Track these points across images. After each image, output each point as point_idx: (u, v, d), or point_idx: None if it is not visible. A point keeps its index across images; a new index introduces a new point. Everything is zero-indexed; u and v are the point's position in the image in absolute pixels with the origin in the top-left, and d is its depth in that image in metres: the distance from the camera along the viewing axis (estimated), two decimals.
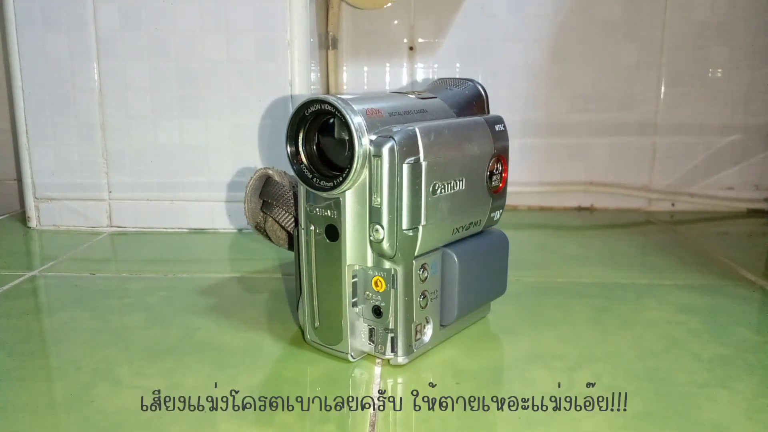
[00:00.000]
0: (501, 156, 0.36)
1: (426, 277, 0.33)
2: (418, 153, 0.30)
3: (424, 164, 0.30)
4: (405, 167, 0.29)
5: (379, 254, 0.31)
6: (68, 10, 0.57)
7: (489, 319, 0.39)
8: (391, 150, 0.29)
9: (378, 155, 0.29)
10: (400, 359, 0.32)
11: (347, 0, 0.69)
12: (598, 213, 0.72)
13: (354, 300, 0.32)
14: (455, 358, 0.34)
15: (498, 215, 0.37)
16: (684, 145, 0.72)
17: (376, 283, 0.31)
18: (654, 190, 0.73)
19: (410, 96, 0.34)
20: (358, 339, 0.33)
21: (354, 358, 0.33)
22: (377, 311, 0.32)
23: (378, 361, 0.33)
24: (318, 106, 0.30)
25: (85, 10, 0.57)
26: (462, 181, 0.33)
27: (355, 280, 0.32)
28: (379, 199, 0.29)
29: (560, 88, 0.71)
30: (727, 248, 0.57)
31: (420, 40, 0.71)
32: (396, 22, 0.71)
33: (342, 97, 0.30)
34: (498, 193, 0.36)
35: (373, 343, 0.32)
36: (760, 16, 0.69)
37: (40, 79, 0.58)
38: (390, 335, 0.32)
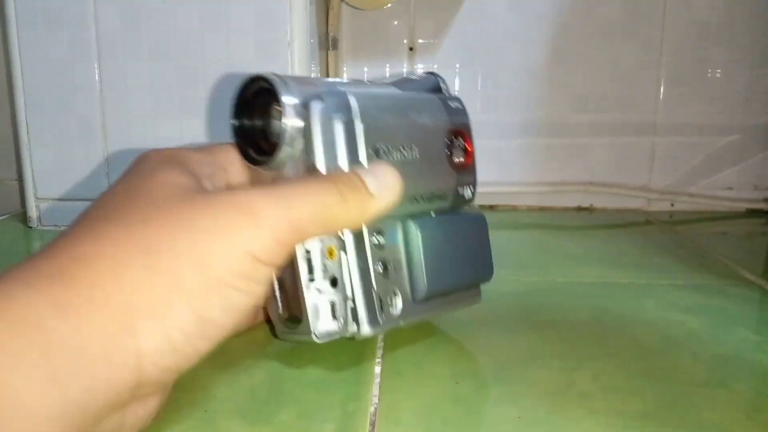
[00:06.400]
0: (461, 131, 0.35)
1: (382, 244, 0.31)
2: (350, 112, 0.29)
3: (357, 121, 0.29)
4: (337, 125, 0.29)
5: None
6: (69, 10, 0.57)
7: (489, 319, 0.39)
8: (319, 109, 0.29)
9: (306, 116, 0.29)
10: (365, 330, 0.31)
11: (347, 0, 0.69)
12: (598, 213, 0.72)
13: (310, 276, 0.30)
14: (455, 359, 0.34)
15: (469, 193, 0.36)
16: (683, 145, 0.72)
17: (330, 252, 0.30)
18: (653, 190, 0.73)
19: (365, 82, 0.34)
20: (324, 319, 0.31)
21: (320, 339, 0.31)
22: (334, 282, 0.31)
23: (378, 360, 0.33)
24: (258, 84, 0.30)
25: (86, 10, 0.57)
26: (413, 149, 0.32)
27: (308, 255, 0.30)
28: (315, 162, 0.29)
29: (560, 88, 0.71)
30: (727, 248, 0.57)
31: (420, 40, 0.71)
32: (396, 22, 0.71)
33: (281, 75, 0.29)
34: (465, 170, 0.35)
35: (337, 319, 0.31)
36: (760, 16, 0.69)
37: (41, 79, 0.58)
38: (350, 306, 0.31)
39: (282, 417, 0.28)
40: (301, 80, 0.30)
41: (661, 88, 0.71)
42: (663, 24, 0.70)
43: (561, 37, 0.70)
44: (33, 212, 0.61)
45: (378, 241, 0.31)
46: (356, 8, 0.70)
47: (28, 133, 0.60)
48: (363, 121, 0.30)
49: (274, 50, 0.56)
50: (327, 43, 0.68)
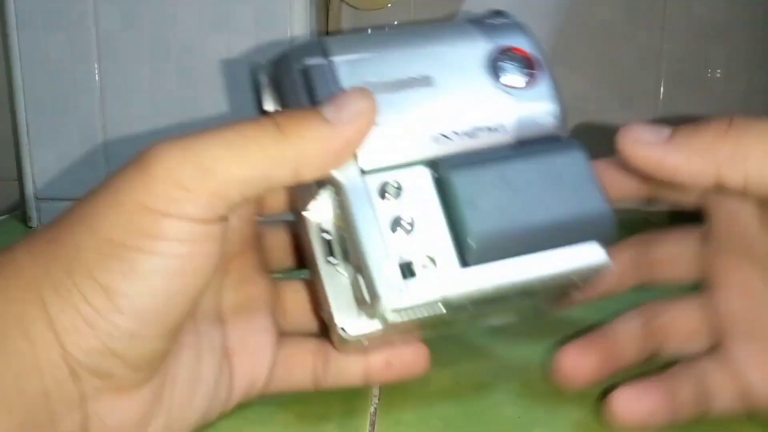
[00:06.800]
0: (513, 48, 0.27)
1: (399, 195, 0.24)
2: (320, 53, 0.25)
3: (334, 61, 0.25)
4: (309, 68, 0.25)
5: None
6: (69, 10, 0.57)
7: None
8: (281, 60, 0.26)
9: (273, 75, 0.26)
10: (386, 301, 0.23)
11: (347, 0, 0.69)
12: None
13: (330, 259, 0.26)
14: (455, 359, 0.34)
15: (550, 119, 0.27)
16: None
17: (337, 221, 0.26)
18: None
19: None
20: (351, 312, 0.26)
21: (349, 334, 0.25)
22: (345, 253, 0.25)
23: None
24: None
25: (86, 10, 0.57)
26: (426, 78, 0.26)
27: (327, 236, 0.26)
28: None
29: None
30: None
31: None
32: (396, 22, 0.71)
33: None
34: (527, 91, 0.26)
35: (358, 304, 0.25)
36: (760, 16, 0.69)
37: (41, 79, 0.58)
38: (361, 278, 0.24)
39: (282, 417, 0.28)
40: None
41: (661, 88, 0.71)
42: (663, 24, 0.70)
43: (561, 37, 0.70)
44: (33, 212, 0.61)
45: (389, 191, 0.24)
46: (356, 8, 0.70)
47: (28, 133, 0.59)
48: (342, 58, 0.25)
49: (274, 50, 0.56)
50: None
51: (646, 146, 0.23)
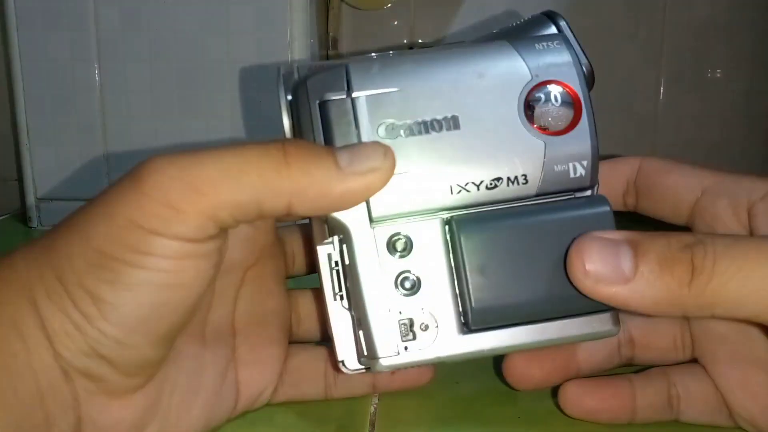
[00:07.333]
0: (557, 82, 0.25)
1: (404, 253, 0.24)
2: (343, 86, 0.23)
3: (356, 97, 0.23)
4: (328, 103, 0.23)
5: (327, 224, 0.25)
6: (69, 10, 0.57)
7: None
8: (300, 88, 0.24)
9: (291, 99, 0.25)
10: (382, 361, 0.23)
11: (347, 0, 0.69)
12: None
13: (340, 293, 0.25)
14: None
15: (581, 170, 0.24)
16: (683, 145, 0.72)
17: None
18: None
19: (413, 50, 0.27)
20: (353, 346, 0.25)
21: (349, 369, 0.25)
22: (349, 298, 0.25)
23: None
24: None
25: (86, 10, 0.57)
26: (450, 120, 0.24)
27: (337, 267, 0.25)
28: None
29: None
30: None
31: (420, 40, 0.71)
32: (396, 22, 0.71)
33: (305, 65, 0.26)
34: (562, 136, 0.25)
35: (356, 350, 0.25)
36: (760, 16, 0.69)
37: (41, 79, 0.58)
38: (361, 331, 0.24)
39: (282, 417, 0.28)
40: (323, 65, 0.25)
41: (661, 88, 0.71)
42: (663, 24, 0.70)
43: None
44: (33, 212, 0.61)
45: (396, 248, 0.24)
46: (356, 8, 0.70)
47: (28, 133, 0.59)
48: (365, 93, 0.23)
49: (274, 50, 0.56)
50: (327, 43, 0.68)
51: (606, 287, 0.22)
